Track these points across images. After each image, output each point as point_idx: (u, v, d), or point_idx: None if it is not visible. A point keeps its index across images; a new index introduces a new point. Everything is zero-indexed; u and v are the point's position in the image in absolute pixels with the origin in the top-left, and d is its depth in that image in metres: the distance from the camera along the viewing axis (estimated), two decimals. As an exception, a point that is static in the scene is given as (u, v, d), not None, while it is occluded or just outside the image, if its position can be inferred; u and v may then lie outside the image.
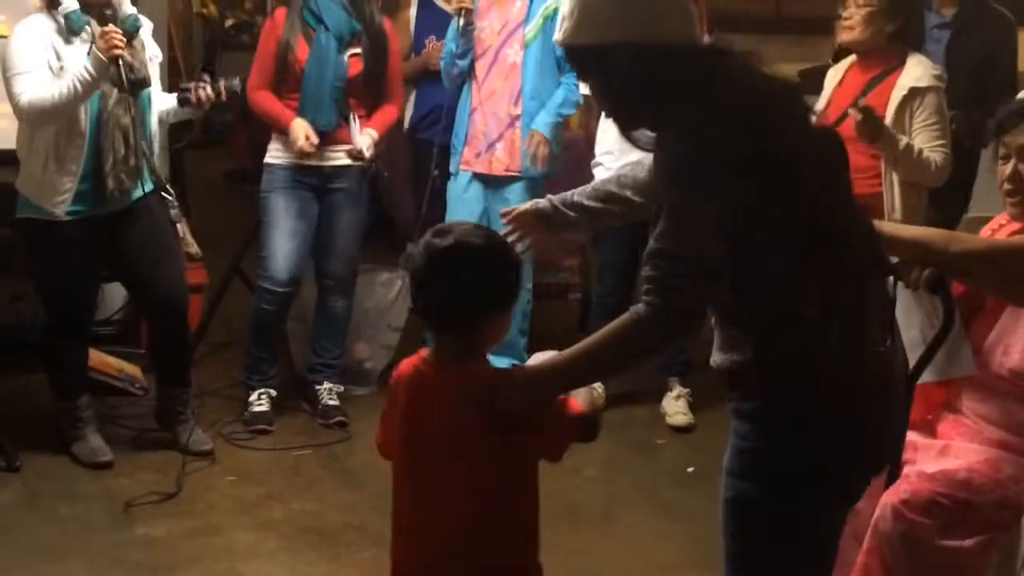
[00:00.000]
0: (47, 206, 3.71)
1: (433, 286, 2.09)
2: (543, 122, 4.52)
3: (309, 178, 4.27)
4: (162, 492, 3.76)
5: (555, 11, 4.58)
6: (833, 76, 4.02)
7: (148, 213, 3.87)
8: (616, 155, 4.46)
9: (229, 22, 9.71)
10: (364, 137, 4.27)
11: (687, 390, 4.60)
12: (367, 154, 4.28)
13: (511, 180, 4.59)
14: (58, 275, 3.86)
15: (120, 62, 3.59)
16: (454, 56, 4.53)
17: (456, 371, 2.11)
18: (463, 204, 4.55)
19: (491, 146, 4.57)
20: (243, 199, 7.31)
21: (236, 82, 3.96)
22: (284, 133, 4.23)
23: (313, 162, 4.26)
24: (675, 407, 4.55)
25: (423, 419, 2.12)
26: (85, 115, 3.66)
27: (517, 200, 4.58)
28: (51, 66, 3.62)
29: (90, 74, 3.54)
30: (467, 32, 4.49)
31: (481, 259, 2.09)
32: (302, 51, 4.20)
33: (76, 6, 3.65)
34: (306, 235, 4.26)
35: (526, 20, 4.55)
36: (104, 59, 3.53)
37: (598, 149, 4.54)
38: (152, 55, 3.88)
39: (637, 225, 4.35)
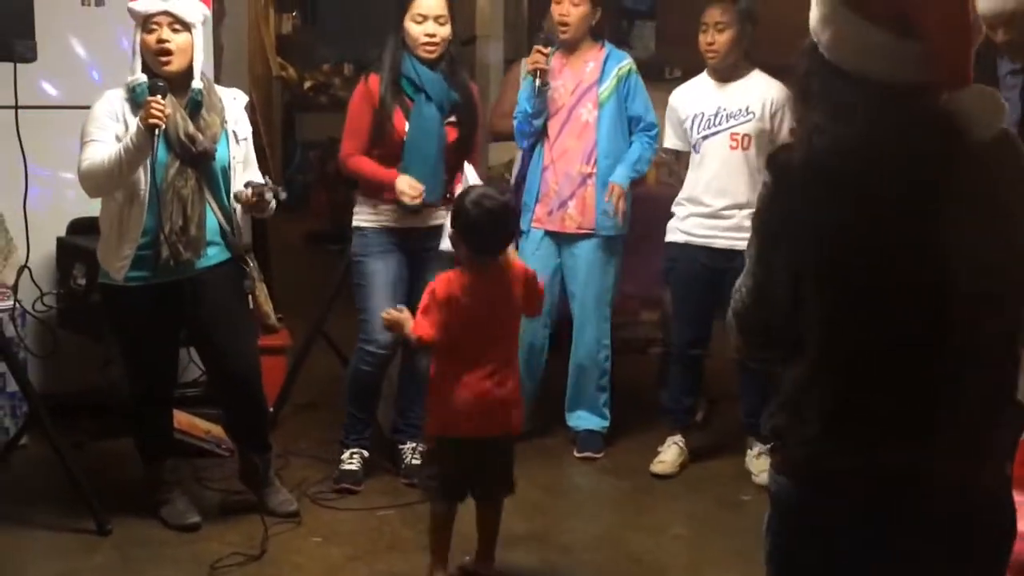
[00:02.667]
0: (111, 271, 3.80)
1: (493, 230, 3.43)
2: (622, 175, 4.56)
3: (402, 239, 4.30)
4: (247, 554, 3.79)
5: (629, 71, 4.65)
6: None
7: (216, 284, 3.87)
8: (686, 205, 4.49)
9: (307, 84, 9.88)
10: (475, 177, 4.26)
11: (768, 446, 4.53)
12: None
13: (583, 237, 4.62)
14: (130, 340, 3.93)
15: (180, 133, 3.67)
16: (529, 116, 4.57)
17: (497, 271, 3.48)
18: (536, 261, 4.57)
19: (563, 204, 4.60)
20: (323, 260, 7.42)
21: (281, 191, 3.92)
22: (381, 194, 4.23)
23: (407, 224, 4.28)
24: (758, 465, 4.48)
25: (482, 298, 3.43)
26: (146, 184, 3.72)
27: (589, 256, 4.60)
28: (119, 138, 3.70)
29: (132, 142, 3.62)
30: (542, 92, 4.53)
31: (512, 212, 3.56)
32: (399, 120, 4.21)
33: (143, 79, 3.73)
34: (403, 297, 4.27)
35: (600, 80, 4.59)
36: (143, 128, 3.60)
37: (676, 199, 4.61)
38: (236, 130, 3.91)
39: (701, 274, 4.41)
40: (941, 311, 1.84)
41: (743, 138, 4.39)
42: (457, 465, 3.50)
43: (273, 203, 3.86)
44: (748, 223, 4.28)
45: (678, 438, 4.62)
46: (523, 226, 4.66)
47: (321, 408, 5.13)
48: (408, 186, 4.16)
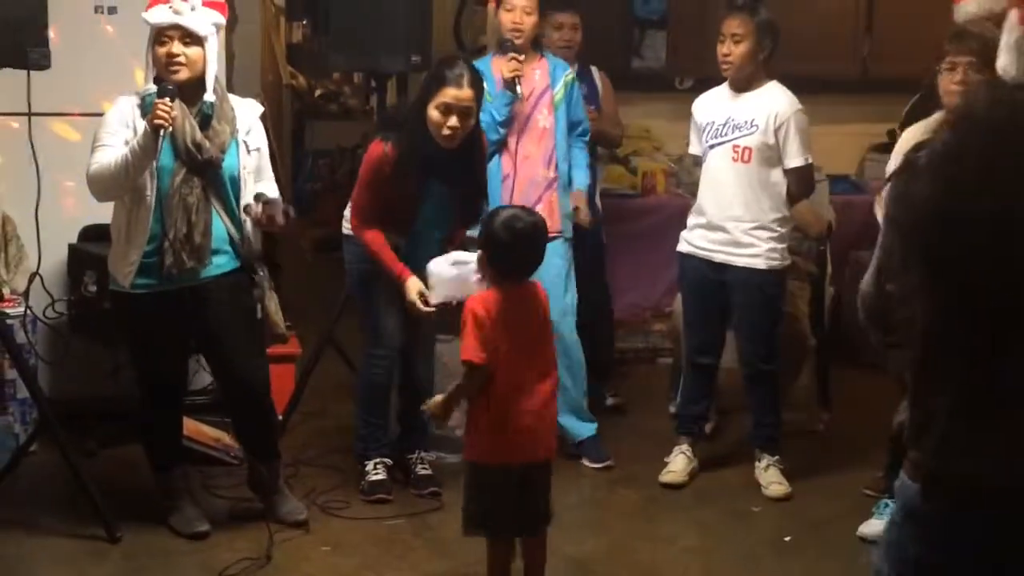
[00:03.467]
0: (118, 277, 3.81)
1: (527, 251, 3.37)
2: (584, 181, 4.75)
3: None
4: (255, 560, 3.78)
5: (573, 79, 4.77)
6: (918, 137, 3.97)
7: (224, 293, 3.86)
8: (695, 215, 4.51)
9: (317, 92, 9.89)
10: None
11: (775, 457, 4.53)
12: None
13: (550, 239, 4.60)
14: (139, 347, 3.94)
15: (187, 141, 3.68)
16: (498, 124, 4.58)
17: (528, 291, 3.43)
18: None
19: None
20: (332, 268, 7.40)
21: (291, 209, 3.89)
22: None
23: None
24: (768, 477, 4.48)
25: (520, 319, 3.35)
26: (152, 190, 3.73)
27: (560, 257, 4.61)
28: (128, 143, 3.70)
29: (138, 144, 3.63)
30: (518, 100, 4.58)
31: (545, 231, 3.48)
32: (413, 192, 4.14)
33: (155, 89, 3.73)
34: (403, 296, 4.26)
35: (551, 85, 4.67)
36: (149, 129, 3.61)
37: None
38: (248, 141, 3.90)
39: (706, 285, 4.41)
40: None
41: (744, 151, 4.37)
42: (502, 495, 3.33)
43: (282, 220, 3.82)
44: (748, 239, 4.35)
45: (685, 447, 4.61)
46: None
47: (330, 416, 5.12)
48: (416, 294, 4.04)
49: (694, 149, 4.63)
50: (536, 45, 4.71)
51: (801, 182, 4.48)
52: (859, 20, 6.56)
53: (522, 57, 4.55)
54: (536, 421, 3.34)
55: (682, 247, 4.57)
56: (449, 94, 3.98)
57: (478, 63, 4.66)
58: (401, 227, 4.20)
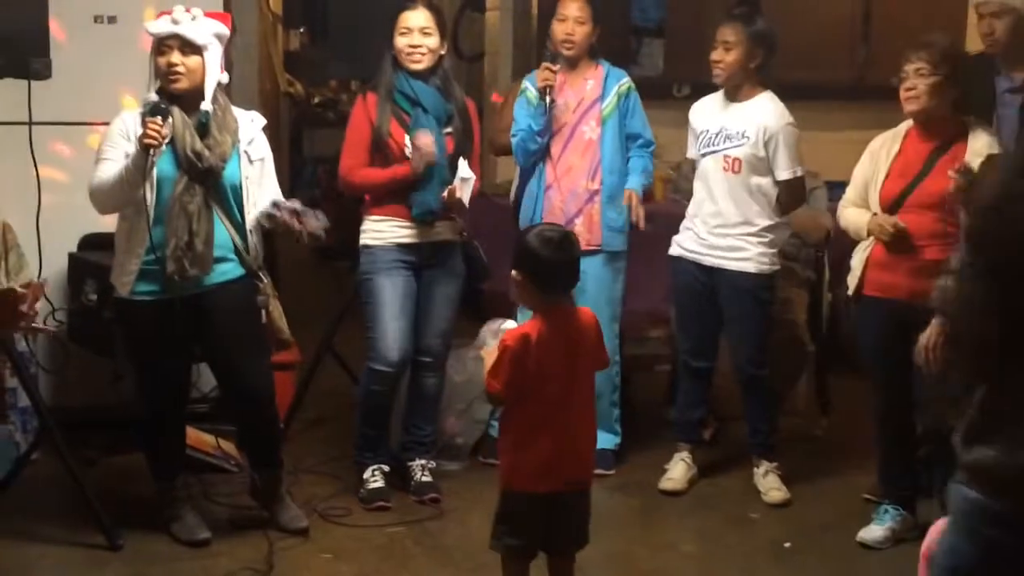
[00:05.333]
0: (117, 285, 3.83)
1: (561, 261, 3.21)
2: (636, 183, 4.61)
3: (409, 256, 4.31)
4: (256, 569, 3.79)
5: (628, 89, 4.69)
6: (887, 145, 4.02)
7: (229, 300, 3.88)
8: (687, 219, 4.52)
9: (315, 100, 9.92)
10: (471, 172, 4.29)
11: (774, 464, 4.55)
12: (470, 183, 4.28)
13: (590, 253, 4.60)
14: (142, 355, 3.96)
15: (187, 150, 3.72)
16: (535, 134, 4.59)
17: (569, 312, 3.28)
18: None
19: (570, 221, 4.59)
20: (331, 276, 7.42)
21: (321, 216, 3.91)
22: (390, 202, 4.26)
23: (415, 240, 4.30)
24: (767, 483, 4.49)
25: (559, 343, 3.19)
26: (152, 199, 3.75)
27: (596, 273, 4.59)
28: (129, 155, 3.73)
29: (131, 161, 3.67)
30: (551, 110, 4.55)
31: (577, 242, 3.36)
32: (398, 133, 4.25)
33: (154, 99, 3.76)
34: (411, 314, 4.29)
35: (601, 97, 4.62)
36: (139, 147, 3.64)
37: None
38: (250, 151, 3.93)
39: (697, 288, 4.41)
40: None
41: (734, 161, 4.40)
42: (535, 523, 3.23)
43: (318, 227, 3.85)
44: (739, 243, 4.37)
45: (685, 454, 4.62)
46: None
47: (330, 424, 5.14)
48: (421, 151, 4.16)
49: (691, 153, 4.65)
50: (593, 53, 4.68)
51: (791, 193, 4.50)
52: (856, 28, 6.61)
53: (556, 67, 4.54)
54: (571, 450, 3.22)
55: (673, 250, 4.59)
56: (405, 17, 4.26)
57: (530, 75, 4.67)
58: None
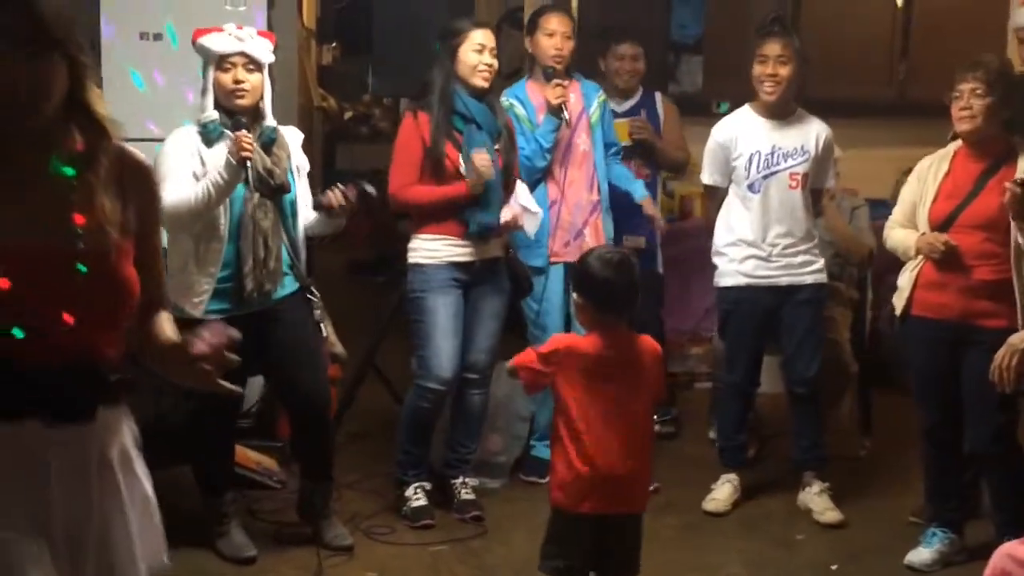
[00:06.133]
0: (186, 306, 3.79)
1: (621, 284, 3.25)
2: (644, 193, 4.79)
3: (461, 274, 4.31)
4: (303, 587, 3.79)
5: (604, 99, 4.84)
6: (935, 165, 4.00)
7: (291, 314, 3.93)
8: (741, 246, 4.47)
9: (348, 115, 9.94)
10: (531, 203, 4.37)
11: (827, 484, 4.51)
12: (532, 223, 4.38)
13: None
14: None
15: (259, 167, 3.73)
16: (544, 150, 4.61)
17: (627, 336, 3.30)
18: (562, 295, 4.63)
19: (579, 234, 4.67)
20: (365, 290, 7.43)
21: (367, 185, 4.00)
22: (445, 219, 4.25)
23: (469, 258, 4.29)
24: (821, 503, 4.45)
25: (616, 369, 3.22)
26: (226, 218, 3.78)
27: None
28: (196, 173, 3.75)
29: (222, 177, 3.67)
30: (567, 125, 4.61)
31: (635, 265, 3.34)
32: (452, 151, 4.25)
33: (215, 116, 3.78)
34: (461, 332, 4.30)
35: (586, 108, 4.71)
36: (234, 162, 3.65)
37: (718, 240, 4.56)
38: (299, 165, 3.99)
39: (763, 312, 4.40)
40: None
41: (802, 177, 4.40)
42: (582, 545, 3.23)
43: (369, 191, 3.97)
44: (811, 258, 4.35)
45: (732, 476, 4.60)
46: (540, 263, 4.65)
47: (371, 440, 5.13)
48: (479, 171, 4.17)
49: (711, 179, 4.57)
50: (567, 68, 4.73)
51: (818, 201, 4.59)
52: (895, 44, 6.56)
53: (567, 83, 4.58)
54: (621, 473, 3.20)
55: (734, 280, 4.50)
56: (478, 34, 4.26)
57: (512, 89, 4.70)
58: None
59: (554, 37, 4.64)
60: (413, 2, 5.34)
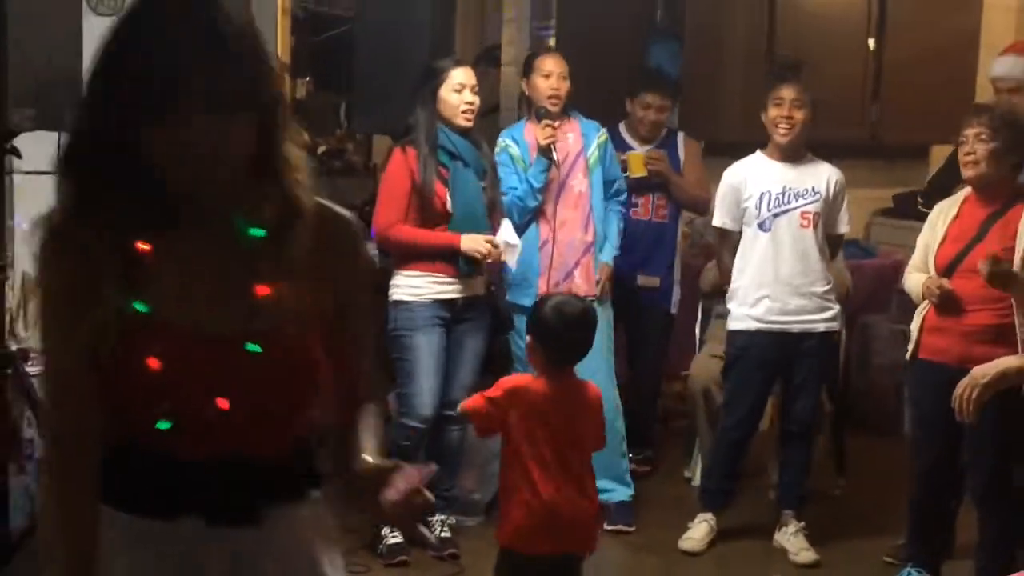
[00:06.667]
0: None
1: (576, 337, 3.32)
2: (610, 254, 4.76)
3: (445, 312, 4.31)
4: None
5: (606, 140, 4.83)
6: (945, 210, 4.04)
7: None
8: (753, 288, 4.48)
9: (321, 149, 9.92)
10: (513, 236, 4.38)
11: (802, 523, 4.53)
12: (518, 248, 4.37)
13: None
14: None
15: None
16: (535, 191, 4.62)
17: (575, 383, 3.36)
18: None
19: (569, 274, 4.67)
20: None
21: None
22: (431, 260, 4.26)
23: (454, 296, 4.31)
24: (796, 543, 4.47)
25: (561, 407, 3.27)
26: None
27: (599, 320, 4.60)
28: None
29: None
30: (556, 166, 4.62)
31: (593, 320, 3.44)
32: (440, 188, 4.26)
33: None
34: (444, 370, 4.31)
35: (585, 149, 4.72)
36: None
37: (732, 283, 4.58)
38: None
39: (771, 362, 4.42)
40: None
41: (813, 216, 4.43)
42: None
43: None
44: (825, 303, 4.37)
45: (709, 516, 4.60)
46: (528, 302, 4.65)
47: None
48: (478, 244, 4.22)
49: (722, 222, 4.59)
50: (567, 108, 4.76)
51: (836, 247, 4.62)
52: (867, 86, 6.64)
53: (557, 124, 4.61)
54: (561, 516, 3.22)
55: (744, 324, 4.49)
56: (457, 73, 4.30)
57: (510, 130, 4.73)
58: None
59: (550, 78, 4.66)
60: (393, 39, 5.36)
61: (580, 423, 3.32)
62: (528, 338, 3.37)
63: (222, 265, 1.70)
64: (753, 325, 4.48)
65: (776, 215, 4.45)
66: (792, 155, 4.48)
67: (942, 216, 4.04)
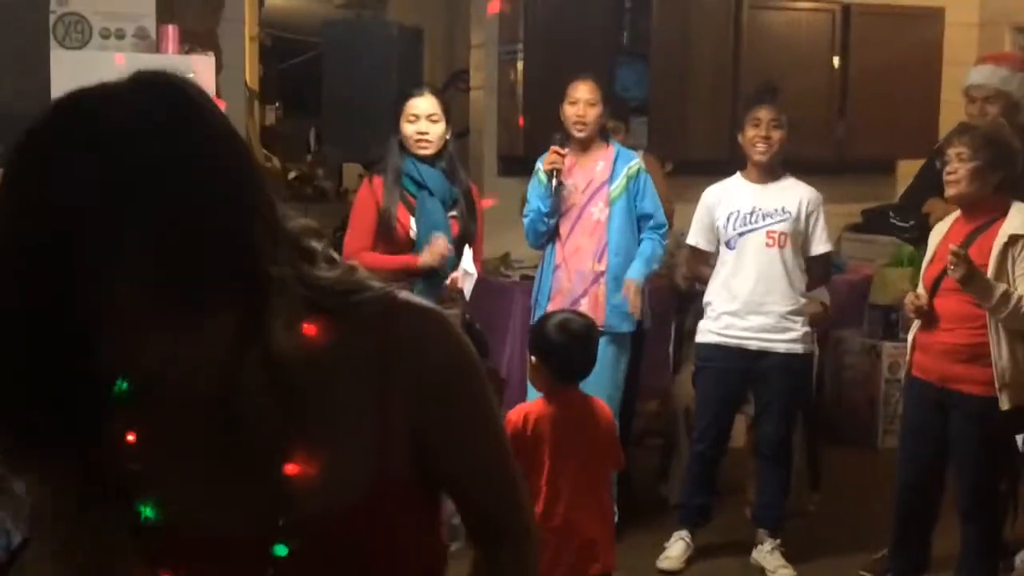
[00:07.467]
0: None
1: (580, 352, 3.31)
2: (638, 271, 4.61)
3: None
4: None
5: (639, 170, 4.71)
6: (938, 230, 4.09)
7: None
8: (718, 302, 4.52)
9: (292, 174, 9.93)
10: (473, 264, 4.35)
11: (778, 541, 4.54)
12: (473, 278, 4.34)
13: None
14: None
15: None
16: (543, 215, 4.63)
17: (580, 400, 3.34)
18: None
19: (576, 302, 4.61)
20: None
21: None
22: (403, 275, 4.21)
23: None
24: (773, 562, 4.49)
25: (572, 432, 3.22)
26: None
27: (600, 354, 4.57)
28: None
29: None
30: (559, 192, 4.60)
31: (596, 335, 3.49)
32: (404, 216, 4.29)
33: None
34: None
35: (611, 179, 4.66)
36: None
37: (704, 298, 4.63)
38: None
39: (731, 376, 4.43)
40: None
41: (779, 236, 4.44)
42: None
43: None
44: (784, 323, 4.39)
45: (684, 533, 4.61)
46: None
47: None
48: (434, 252, 4.21)
49: (694, 240, 4.65)
50: (603, 134, 4.75)
51: (823, 268, 4.62)
52: (833, 104, 6.71)
53: (565, 151, 4.61)
54: (578, 538, 3.20)
55: (707, 338, 4.55)
56: (412, 104, 4.34)
57: (543, 158, 4.71)
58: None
59: (576, 105, 4.65)
60: (360, 65, 5.38)
61: (590, 441, 3.28)
62: (531, 358, 3.34)
63: (229, 442, 1.21)
64: (713, 339, 4.53)
65: (742, 234, 4.48)
66: (767, 175, 4.52)
67: (937, 234, 4.08)
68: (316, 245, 1.22)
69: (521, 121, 6.06)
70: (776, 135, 4.46)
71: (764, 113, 4.48)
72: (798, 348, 4.46)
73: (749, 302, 4.45)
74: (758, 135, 4.47)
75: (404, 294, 1.27)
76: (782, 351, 4.44)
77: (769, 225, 4.45)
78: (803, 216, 4.47)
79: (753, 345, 4.45)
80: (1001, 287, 3.71)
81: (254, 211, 1.09)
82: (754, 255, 4.46)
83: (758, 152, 4.48)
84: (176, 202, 1.03)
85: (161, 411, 1.20)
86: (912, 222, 5.35)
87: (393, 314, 1.24)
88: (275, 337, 1.13)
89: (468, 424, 1.30)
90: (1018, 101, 4.87)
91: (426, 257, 4.23)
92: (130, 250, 1.01)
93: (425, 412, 1.24)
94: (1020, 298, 3.70)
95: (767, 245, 4.45)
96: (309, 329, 1.18)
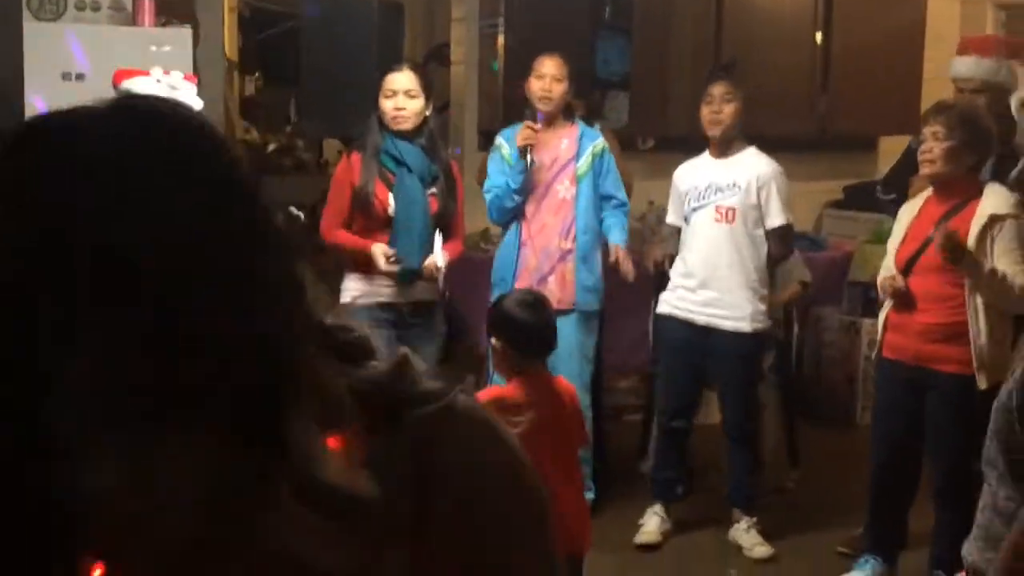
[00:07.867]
0: None
1: (541, 326, 3.28)
2: (620, 237, 4.63)
3: (389, 314, 4.30)
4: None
5: (603, 149, 4.71)
6: (908, 210, 4.08)
7: None
8: (674, 276, 4.52)
9: (271, 147, 9.85)
10: (443, 254, 4.33)
11: (754, 519, 4.56)
12: (442, 271, 4.32)
13: (563, 313, 4.54)
14: None
15: None
16: (513, 192, 4.60)
17: (546, 378, 3.36)
18: None
19: (543, 279, 4.60)
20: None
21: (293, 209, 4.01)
22: (367, 265, 4.25)
23: (395, 299, 4.29)
24: (749, 539, 4.50)
25: (539, 406, 3.22)
26: None
27: (570, 332, 4.56)
28: None
29: None
30: (529, 169, 4.57)
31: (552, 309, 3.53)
32: (382, 193, 4.26)
33: None
34: None
35: (576, 156, 4.64)
36: None
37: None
38: None
39: (683, 348, 4.44)
40: None
41: (727, 211, 4.44)
42: None
43: None
44: (732, 299, 4.39)
45: (658, 508, 4.63)
46: None
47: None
48: (381, 252, 4.20)
49: (672, 219, 4.67)
50: (567, 112, 4.73)
51: (781, 242, 4.57)
52: (815, 79, 6.70)
53: (538, 126, 4.58)
54: (573, 516, 3.24)
55: (662, 308, 4.61)
56: (390, 79, 4.30)
57: (509, 129, 4.69)
58: (378, 235, 4.26)
59: (543, 80, 4.62)
60: (339, 35, 5.33)
61: (562, 419, 3.30)
62: (493, 342, 3.31)
63: None
64: (667, 310, 4.58)
65: (695, 209, 4.50)
66: (724, 150, 4.51)
67: (906, 215, 4.08)
68: (358, 332, 0.99)
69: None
70: (727, 108, 4.45)
71: (716, 89, 4.48)
72: (744, 326, 4.43)
73: (700, 277, 4.46)
74: (710, 111, 4.47)
75: (466, 400, 0.95)
76: (728, 328, 4.43)
77: (718, 200, 4.45)
78: (754, 189, 4.44)
79: (701, 319, 4.47)
80: (987, 265, 3.72)
81: (264, 281, 0.80)
82: (703, 230, 4.48)
83: (710, 129, 4.49)
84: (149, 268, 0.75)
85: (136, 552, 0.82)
86: (897, 195, 5.35)
87: (440, 432, 0.91)
88: (306, 462, 0.82)
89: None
90: (1007, 88, 4.85)
91: (376, 254, 4.20)
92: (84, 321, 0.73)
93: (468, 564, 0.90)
94: (1003, 275, 3.71)
95: (715, 220, 4.46)
96: (333, 442, 0.87)
